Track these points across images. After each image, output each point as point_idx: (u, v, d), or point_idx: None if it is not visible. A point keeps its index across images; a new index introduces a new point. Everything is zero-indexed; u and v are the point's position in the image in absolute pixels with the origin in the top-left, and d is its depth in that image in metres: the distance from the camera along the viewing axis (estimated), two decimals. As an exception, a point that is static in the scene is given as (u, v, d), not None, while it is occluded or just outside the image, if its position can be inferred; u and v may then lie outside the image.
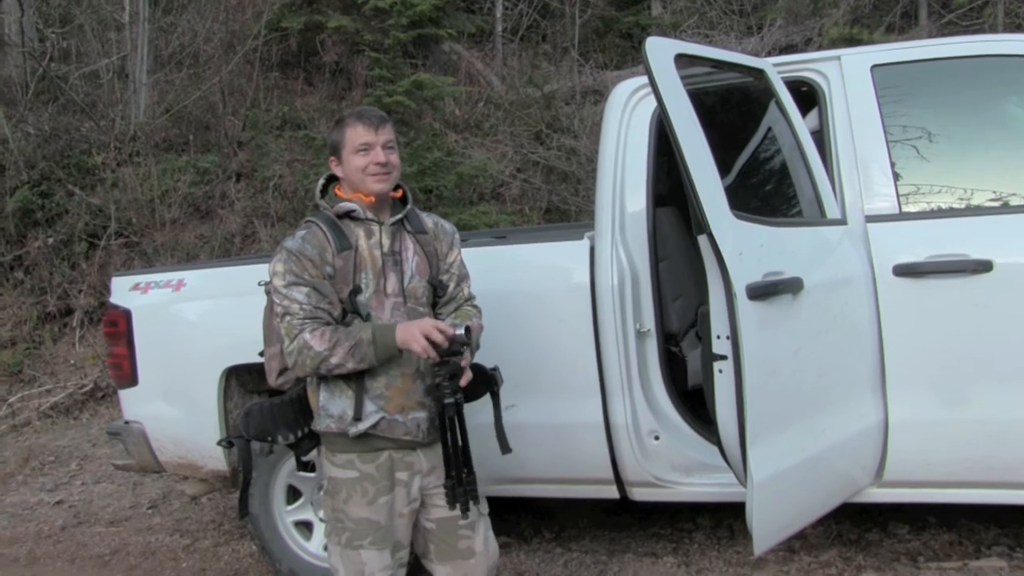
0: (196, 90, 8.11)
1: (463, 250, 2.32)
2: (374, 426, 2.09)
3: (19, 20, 8.32)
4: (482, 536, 2.22)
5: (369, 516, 2.11)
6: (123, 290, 3.30)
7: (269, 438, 2.19)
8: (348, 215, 2.14)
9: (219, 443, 2.95)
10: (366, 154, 2.10)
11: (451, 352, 2.02)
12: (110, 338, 3.31)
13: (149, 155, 7.49)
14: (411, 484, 2.16)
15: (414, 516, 2.19)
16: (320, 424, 2.13)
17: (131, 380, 3.23)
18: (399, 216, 2.18)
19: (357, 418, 2.07)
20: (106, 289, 5.59)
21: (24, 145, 7.45)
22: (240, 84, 8.40)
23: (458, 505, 2.07)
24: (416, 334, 1.98)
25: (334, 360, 2.01)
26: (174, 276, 3.25)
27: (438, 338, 1.98)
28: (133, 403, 3.29)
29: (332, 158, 2.17)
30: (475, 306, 2.30)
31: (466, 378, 2.06)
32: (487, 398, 2.25)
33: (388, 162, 2.11)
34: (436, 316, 2.25)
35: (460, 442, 2.07)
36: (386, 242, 2.14)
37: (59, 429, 5.78)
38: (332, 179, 2.24)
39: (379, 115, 2.14)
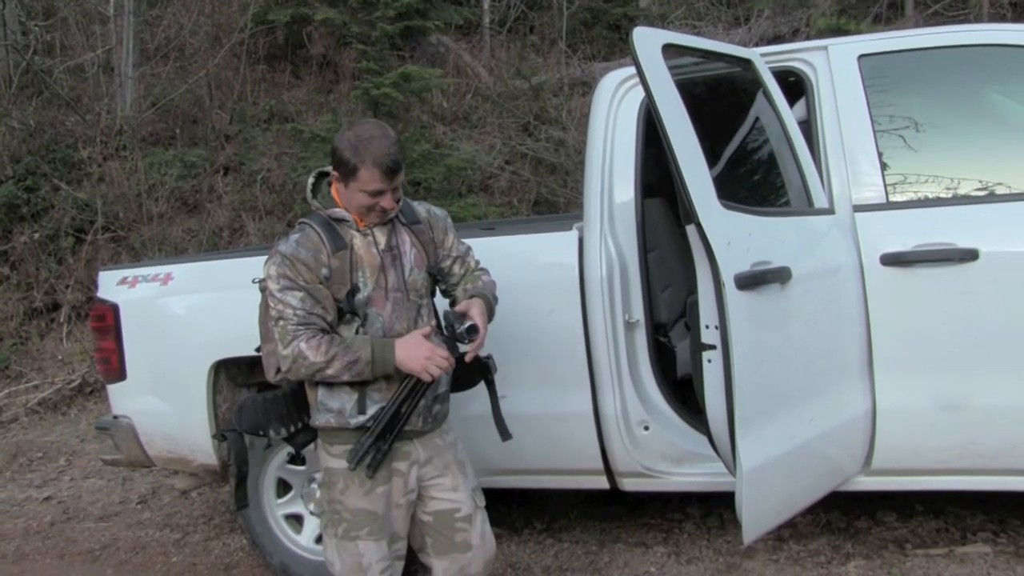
0: (182, 83, 8.04)
1: None
2: (374, 417, 2.08)
3: (1, 12, 8.21)
4: (479, 529, 2.22)
5: (366, 506, 2.10)
6: (111, 284, 3.28)
7: (261, 432, 2.18)
8: (342, 220, 2.13)
9: (214, 437, 2.95)
10: (372, 197, 2.05)
11: (454, 342, 2.07)
12: (98, 333, 3.29)
13: (136, 149, 7.44)
14: (408, 475, 2.15)
15: (411, 508, 2.19)
16: (319, 419, 2.13)
17: (119, 375, 3.21)
18: (391, 215, 2.16)
19: (361, 412, 2.08)
20: (93, 284, 5.55)
21: (8, 139, 7.37)
22: (227, 77, 8.34)
23: (365, 461, 2.06)
24: (419, 359, 2.00)
25: (330, 372, 2.01)
26: (162, 270, 3.23)
27: (444, 364, 2.02)
28: (121, 398, 3.27)
29: (336, 172, 2.09)
30: (482, 268, 2.31)
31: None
32: (480, 388, 2.25)
33: (392, 207, 2.10)
34: (452, 298, 2.25)
35: (407, 412, 2.07)
36: (382, 240, 2.13)
37: (47, 425, 5.74)
38: (322, 175, 2.22)
39: (397, 162, 2.04)
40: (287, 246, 2.07)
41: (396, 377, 2.07)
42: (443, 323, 2.13)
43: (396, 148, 2.05)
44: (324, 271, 2.06)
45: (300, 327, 2.01)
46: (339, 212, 2.11)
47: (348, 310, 2.07)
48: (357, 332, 2.09)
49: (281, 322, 2.03)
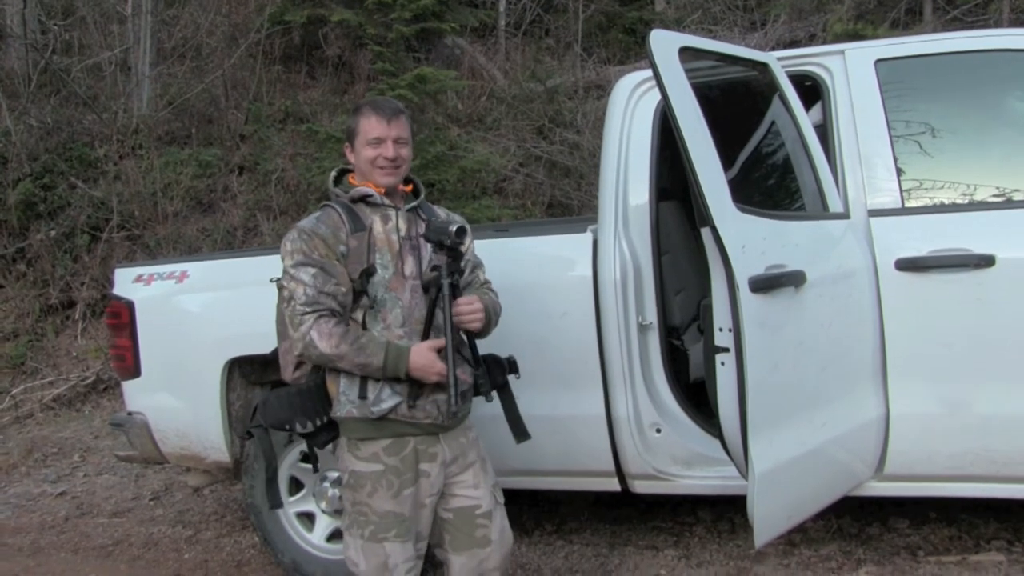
0: (199, 83, 8.11)
1: None
2: (394, 409, 2.09)
3: (21, 12, 8.30)
4: (498, 525, 2.23)
5: (394, 509, 2.11)
6: (126, 282, 3.31)
7: (287, 427, 2.18)
8: (364, 199, 2.15)
9: (238, 435, 2.96)
10: (376, 147, 2.12)
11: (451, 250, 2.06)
12: (113, 330, 3.31)
13: (151, 148, 7.50)
14: (435, 475, 2.16)
15: (434, 507, 2.19)
16: (341, 410, 2.12)
17: (134, 372, 3.24)
18: (414, 203, 2.21)
19: (364, 397, 2.07)
20: (108, 282, 5.60)
21: (27, 137, 7.45)
22: (243, 77, 8.39)
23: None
24: (429, 372, 2.03)
25: (341, 366, 2.05)
26: (177, 268, 3.26)
27: (438, 368, 2.04)
28: (136, 394, 3.30)
29: (347, 145, 2.21)
30: (492, 290, 2.32)
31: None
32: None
33: (397, 157, 2.13)
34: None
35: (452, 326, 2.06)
36: (403, 227, 2.16)
37: (61, 421, 5.79)
38: (344, 172, 2.26)
39: (394, 108, 2.16)
40: (307, 222, 2.13)
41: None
42: (431, 237, 2.09)
43: (394, 101, 2.16)
44: (342, 248, 2.08)
45: (307, 307, 2.02)
46: (361, 189, 2.16)
47: (360, 289, 2.08)
48: (364, 321, 2.08)
49: (291, 302, 2.05)
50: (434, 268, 2.10)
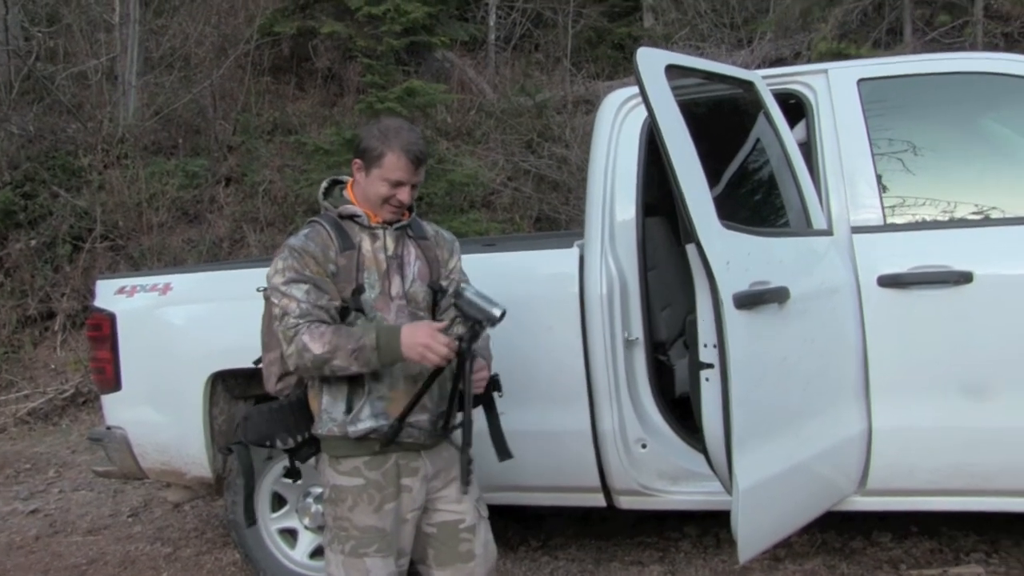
0: (186, 93, 8.08)
1: None
2: (375, 430, 2.07)
3: (3, 18, 8.23)
4: (482, 539, 2.22)
5: (375, 524, 2.09)
6: (108, 293, 3.28)
7: (268, 443, 2.16)
8: (352, 218, 2.14)
9: (220, 450, 2.93)
10: (394, 188, 2.08)
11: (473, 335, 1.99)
12: (94, 342, 3.28)
13: (137, 158, 7.46)
14: (416, 489, 2.15)
15: (417, 522, 2.18)
16: (322, 428, 2.11)
17: (114, 385, 3.20)
18: (404, 223, 2.18)
19: (348, 411, 2.05)
20: (89, 293, 5.53)
21: (7, 145, 7.39)
22: (231, 88, 8.38)
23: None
24: (420, 348, 1.94)
25: (336, 362, 1.98)
26: (161, 280, 3.23)
27: (443, 351, 1.94)
28: (116, 408, 3.25)
29: (358, 161, 2.12)
30: None
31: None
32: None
33: (408, 202, 2.12)
34: (439, 319, 2.24)
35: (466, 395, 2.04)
36: (390, 246, 2.14)
37: (37, 435, 5.70)
38: (335, 182, 2.24)
39: (423, 152, 2.10)
40: (296, 240, 2.09)
41: (400, 380, 2.07)
42: (469, 313, 2.01)
43: (422, 141, 2.11)
44: (331, 267, 2.07)
45: (300, 320, 1.99)
46: (351, 208, 2.13)
47: (355, 307, 2.06)
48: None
49: (285, 318, 2.02)
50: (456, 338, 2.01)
